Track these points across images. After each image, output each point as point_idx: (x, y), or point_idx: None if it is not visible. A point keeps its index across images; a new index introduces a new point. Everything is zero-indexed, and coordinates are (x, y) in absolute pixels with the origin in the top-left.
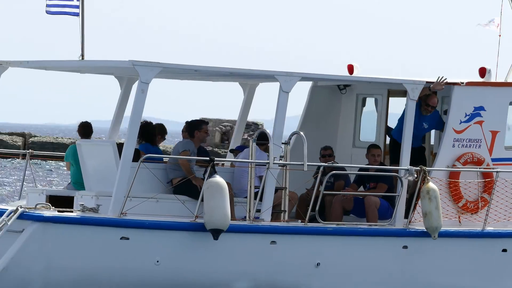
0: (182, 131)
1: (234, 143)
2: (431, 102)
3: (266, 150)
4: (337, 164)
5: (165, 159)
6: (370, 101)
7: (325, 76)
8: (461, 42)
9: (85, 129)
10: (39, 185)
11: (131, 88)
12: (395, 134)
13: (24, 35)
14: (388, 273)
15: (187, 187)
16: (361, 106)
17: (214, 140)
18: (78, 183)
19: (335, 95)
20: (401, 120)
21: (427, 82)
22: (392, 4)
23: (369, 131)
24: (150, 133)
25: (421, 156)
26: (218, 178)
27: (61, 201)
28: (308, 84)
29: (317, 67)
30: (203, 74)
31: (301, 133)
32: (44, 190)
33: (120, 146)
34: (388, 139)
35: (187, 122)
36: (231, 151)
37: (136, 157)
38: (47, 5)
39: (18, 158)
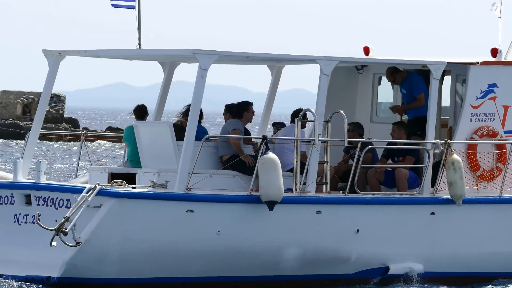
0: (224, 113)
1: (263, 122)
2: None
3: (302, 127)
4: (372, 140)
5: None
6: (385, 80)
7: (360, 60)
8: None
9: (141, 111)
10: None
11: (173, 72)
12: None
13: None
14: (418, 237)
15: (237, 163)
16: (377, 84)
17: (16, 113)
18: (134, 161)
19: (353, 74)
20: (406, 96)
21: (448, 62)
22: None
23: (386, 108)
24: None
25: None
26: (271, 155)
27: (122, 178)
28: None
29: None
30: (253, 59)
31: (341, 111)
32: (106, 168)
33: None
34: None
35: (228, 105)
36: (273, 124)
37: (180, 136)
38: None
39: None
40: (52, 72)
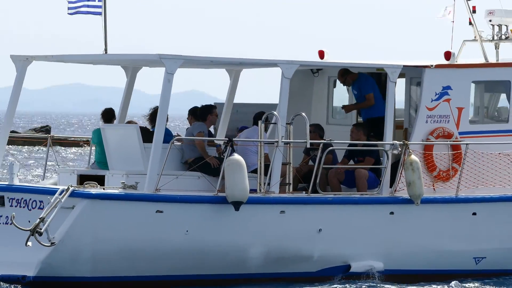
0: (188, 117)
1: (223, 124)
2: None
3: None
4: (334, 141)
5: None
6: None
7: (321, 63)
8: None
9: (109, 115)
10: (64, 166)
11: (135, 76)
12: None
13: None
14: (378, 236)
15: (202, 165)
16: (332, 87)
17: None
18: (101, 162)
19: (309, 78)
20: (357, 96)
21: (404, 65)
22: None
23: (341, 110)
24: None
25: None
26: (237, 156)
27: (91, 180)
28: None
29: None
30: (217, 64)
31: (303, 114)
32: (74, 170)
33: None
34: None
35: (192, 109)
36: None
37: (146, 139)
38: (69, 7)
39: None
40: (20, 77)
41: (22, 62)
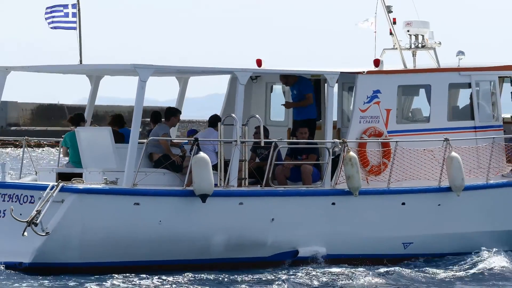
0: (151, 118)
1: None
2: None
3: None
4: (285, 140)
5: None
6: (276, 88)
7: (275, 71)
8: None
9: (77, 118)
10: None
11: (99, 84)
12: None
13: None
14: (322, 224)
15: (167, 162)
16: (270, 92)
17: None
18: (76, 162)
19: (248, 83)
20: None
21: (341, 72)
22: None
23: (278, 112)
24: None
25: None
26: (203, 154)
27: (68, 177)
28: (227, 76)
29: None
30: (183, 72)
31: (257, 115)
32: (53, 168)
33: None
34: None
35: (154, 111)
36: (189, 132)
37: (118, 140)
38: (48, 22)
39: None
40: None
41: (1, 72)
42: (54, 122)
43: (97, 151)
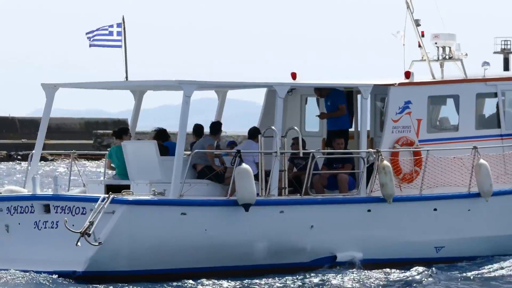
0: (193, 132)
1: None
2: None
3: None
4: (322, 150)
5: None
6: (310, 100)
7: (310, 84)
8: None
9: (122, 131)
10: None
11: (142, 98)
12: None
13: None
14: (358, 230)
15: (210, 173)
16: (304, 104)
17: None
18: (122, 174)
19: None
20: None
21: (374, 84)
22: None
23: (313, 123)
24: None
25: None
26: (245, 165)
27: (116, 189)
28: (264, 89)
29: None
30: (224, 87)
31: (295, 127)
32: (102, 181)
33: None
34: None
35: (196, 125)
36: (229, 144)
37: (163, 153)
38: (89, 39)
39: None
40: (49, 102)
41: (50, 89)
42: (5, 135)
43: (144, 164)
